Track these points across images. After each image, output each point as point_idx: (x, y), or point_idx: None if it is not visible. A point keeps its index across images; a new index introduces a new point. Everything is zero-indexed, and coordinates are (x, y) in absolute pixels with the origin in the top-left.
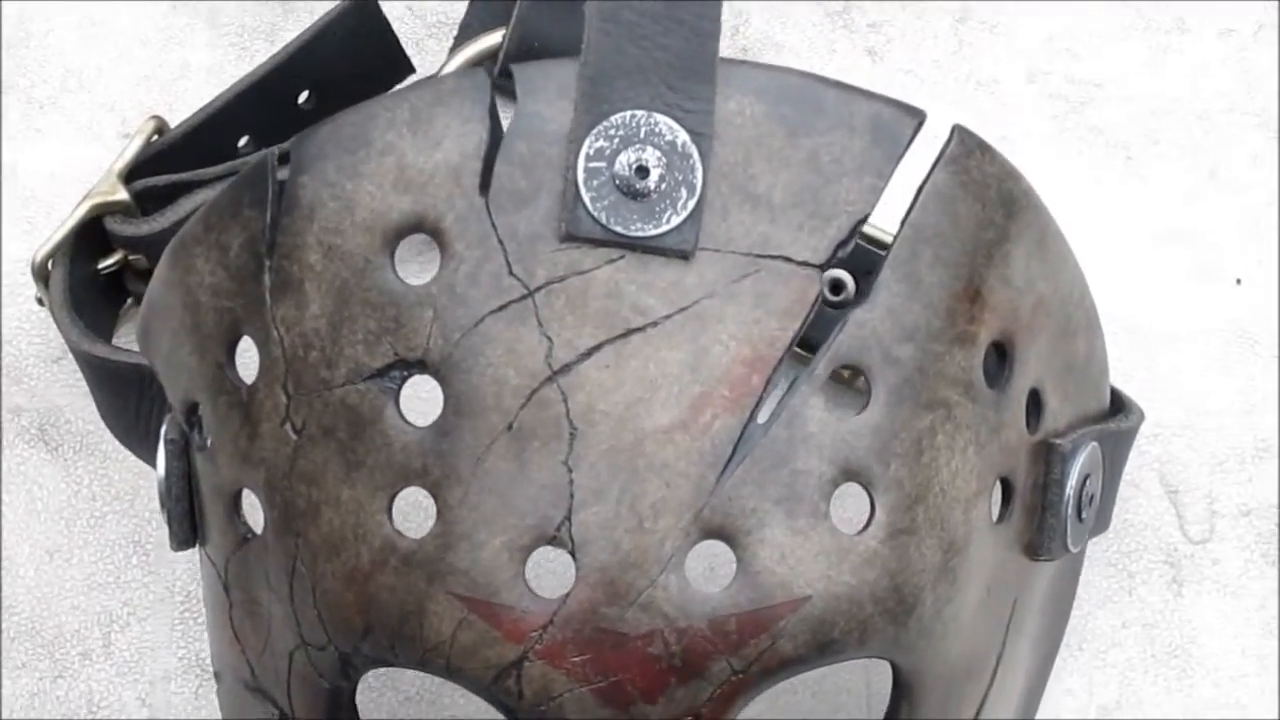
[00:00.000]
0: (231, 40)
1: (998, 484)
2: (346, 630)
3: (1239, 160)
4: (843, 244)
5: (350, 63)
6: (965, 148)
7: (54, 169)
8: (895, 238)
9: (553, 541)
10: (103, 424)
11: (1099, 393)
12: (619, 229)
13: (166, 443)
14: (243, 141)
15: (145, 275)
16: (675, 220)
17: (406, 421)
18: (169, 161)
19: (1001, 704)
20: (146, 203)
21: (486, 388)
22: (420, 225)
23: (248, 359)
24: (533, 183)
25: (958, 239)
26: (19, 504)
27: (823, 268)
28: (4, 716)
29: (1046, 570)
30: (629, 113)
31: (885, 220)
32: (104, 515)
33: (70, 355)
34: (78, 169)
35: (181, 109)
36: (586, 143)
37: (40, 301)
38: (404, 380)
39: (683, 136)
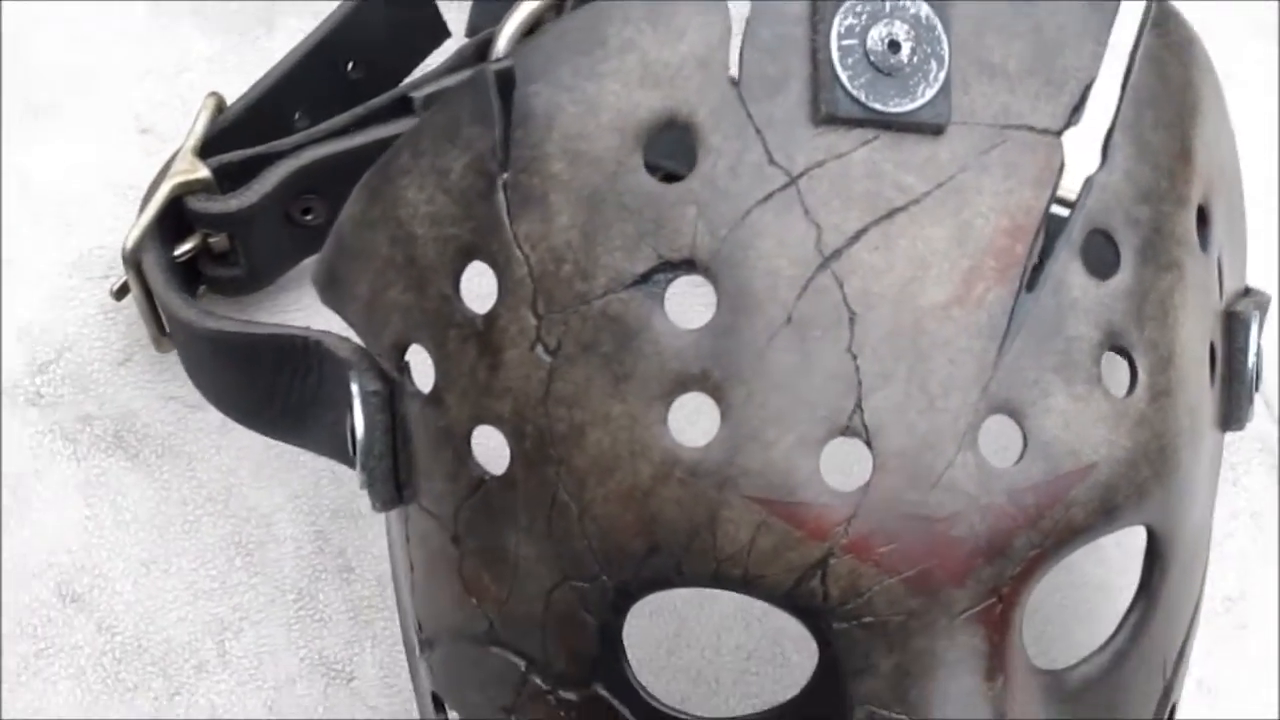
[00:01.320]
0: (225, 29)
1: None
2: (623, 556)
3: None
4: (1076, 109)
5: (391, 29)
6: (1163, 11)
7: (72, 169)
8: (1120, 101)
9: (845, 432)
10: (181, 425)
11: (1245, 264)
12: (878, 105)
13: (364, 396)
14: (297, 115)
15: (223, 258)
16: (929, 93)
17: (676, 326)
18: (232, 138)
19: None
20: (221, 180)
21: (761, 280)
22: (673, 120)
23: (469, 289)
24: (781, 68)
25: (1170, 100)
26: (105, 517)
27: (1060, 133)
28: None
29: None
30: None
31: (1105, 84)
32: (198, 519)
33: (136, 357)
34: (99, 167)
35: (193, 98)
36: (836, 21)
37: (119, 294)
38: (669, 283)
39: (925, 9)
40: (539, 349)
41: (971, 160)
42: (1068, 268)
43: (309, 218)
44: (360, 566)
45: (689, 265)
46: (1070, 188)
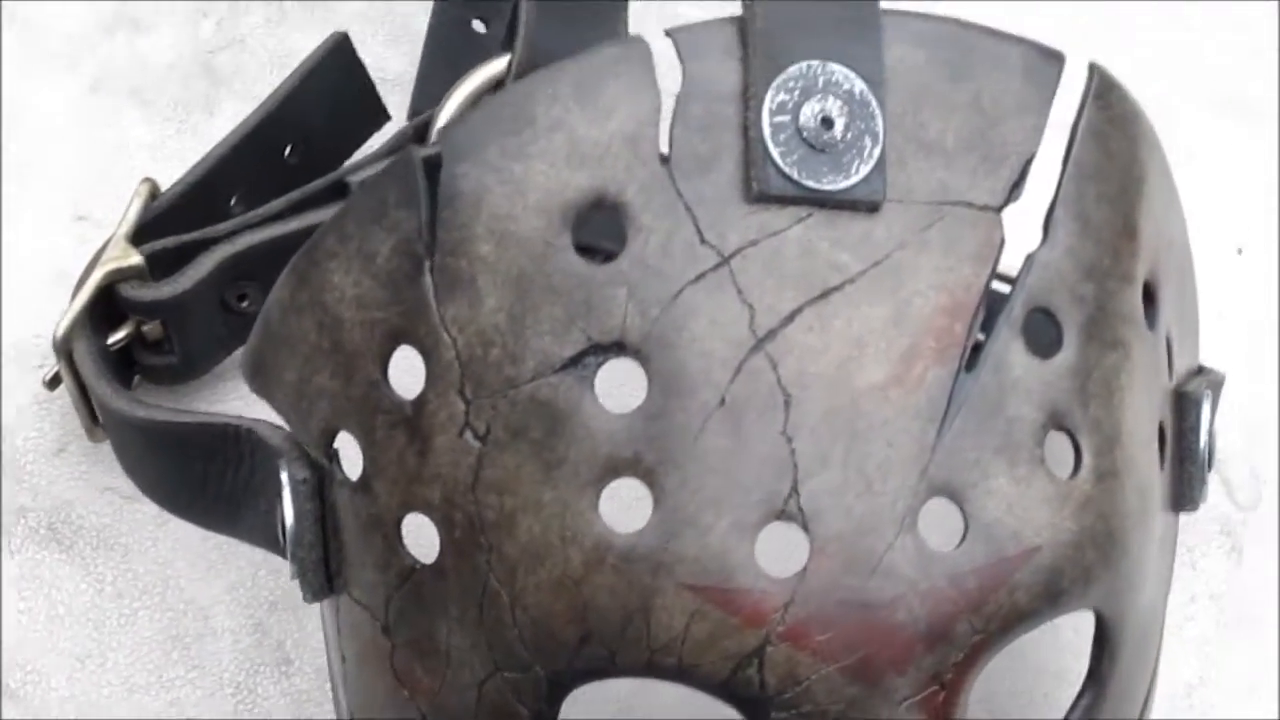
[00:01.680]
0: (165, 115)
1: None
2: (556, 645)
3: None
4: (1015, 185)
5: (330, 112)
6: (1105, 84)
7: (7, 256)
8: (1061, 177)
9: (781, 516)
10: (117, 516)
11: (1197, 343)
12: (811, 183)
13: (294, 485)
14: (233, 200)
15: (157, 346)
16: (864, 170)
17: (606, 409)
18: (165, 224)
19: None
20: (154, 267)
21: (694, 362)
22: (602, 200)
23: (397, 374)
24: (713, 145)
25: (1114, 175)
26: (39, 610)
27: (1000, 209)
28: None
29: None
30: (805, 64)
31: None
32: (135, 612)
33: (70, 447)
34: (34, 254)
35: (130, 184)
36: (768, 97)
37: (51, 384)
38: (599, 366)
39: (860, 85)
40: (468, 434)
41: (909, 237)
42: (1009, 346)
43: (245, 304)
44: (299, 659)
45: (619, 348)
46: (1011, 265)
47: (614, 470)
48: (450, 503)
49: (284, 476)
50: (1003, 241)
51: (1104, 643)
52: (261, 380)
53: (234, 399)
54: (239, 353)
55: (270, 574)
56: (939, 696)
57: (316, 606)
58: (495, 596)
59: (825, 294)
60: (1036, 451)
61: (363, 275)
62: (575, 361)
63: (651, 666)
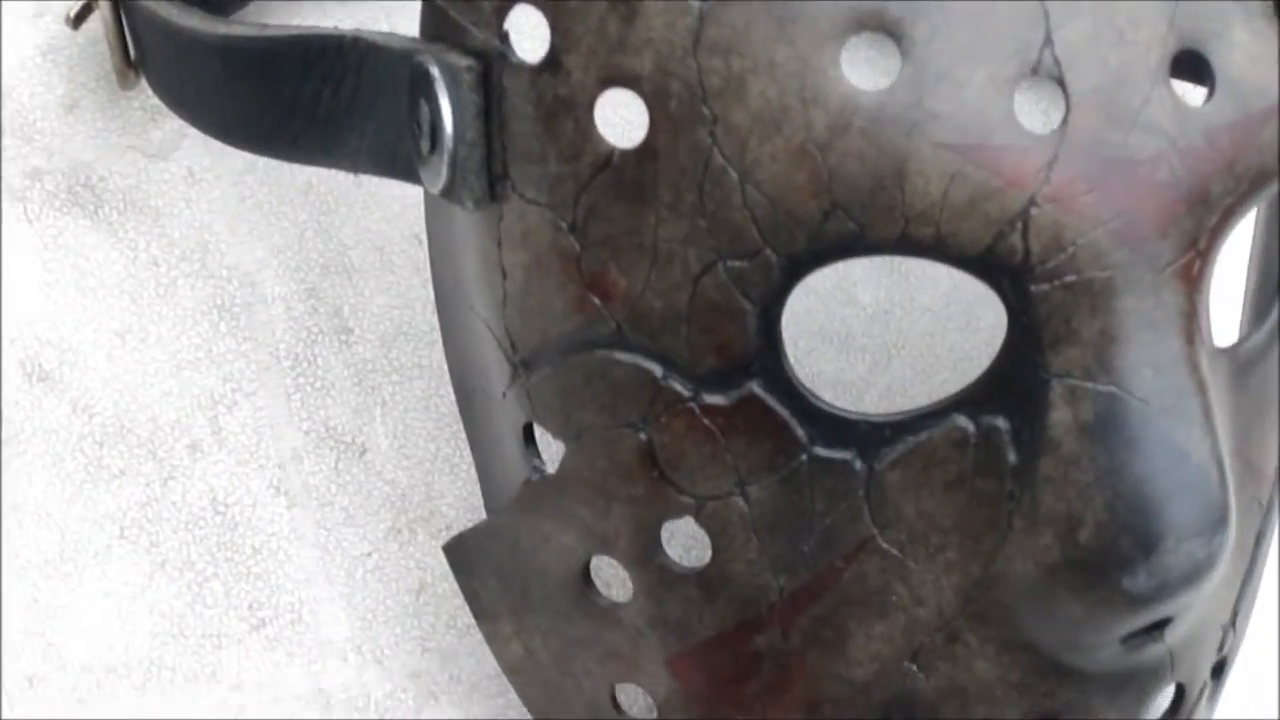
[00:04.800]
0: None
1: None
2: (794, 222)
3: None
4: None
5: None
6: None
7: None
8: None
9: (1037, 69)
10: (143, 177)
11: None
12: None
13: (452, 76)
14: None
15: None
16: None
17: None
18: None
19: None
20: None
21: None
22: None
23: None
24: None
25: None
26: (67, 283)
27: None
28: (115, 529)
29: None
30: None
31: None
32: (173, 281)
33: (83, 103)
34: None
35: None
36: None
37: (77, 20)
38: None
39: None
40: None
41: None
42: None
43: None
44: (359, 327)
45: None
46: None
47: (857, 23)
48: (664, 71)
49: (434, 70)
50: None
51: None
52: None
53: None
54: None
55: (318, 235)
56: (1195, 265)
57: (375, 271)
58: (720, 174)
59: None
60: (1268, 5)
61: None
62: None
63: (905, 240)
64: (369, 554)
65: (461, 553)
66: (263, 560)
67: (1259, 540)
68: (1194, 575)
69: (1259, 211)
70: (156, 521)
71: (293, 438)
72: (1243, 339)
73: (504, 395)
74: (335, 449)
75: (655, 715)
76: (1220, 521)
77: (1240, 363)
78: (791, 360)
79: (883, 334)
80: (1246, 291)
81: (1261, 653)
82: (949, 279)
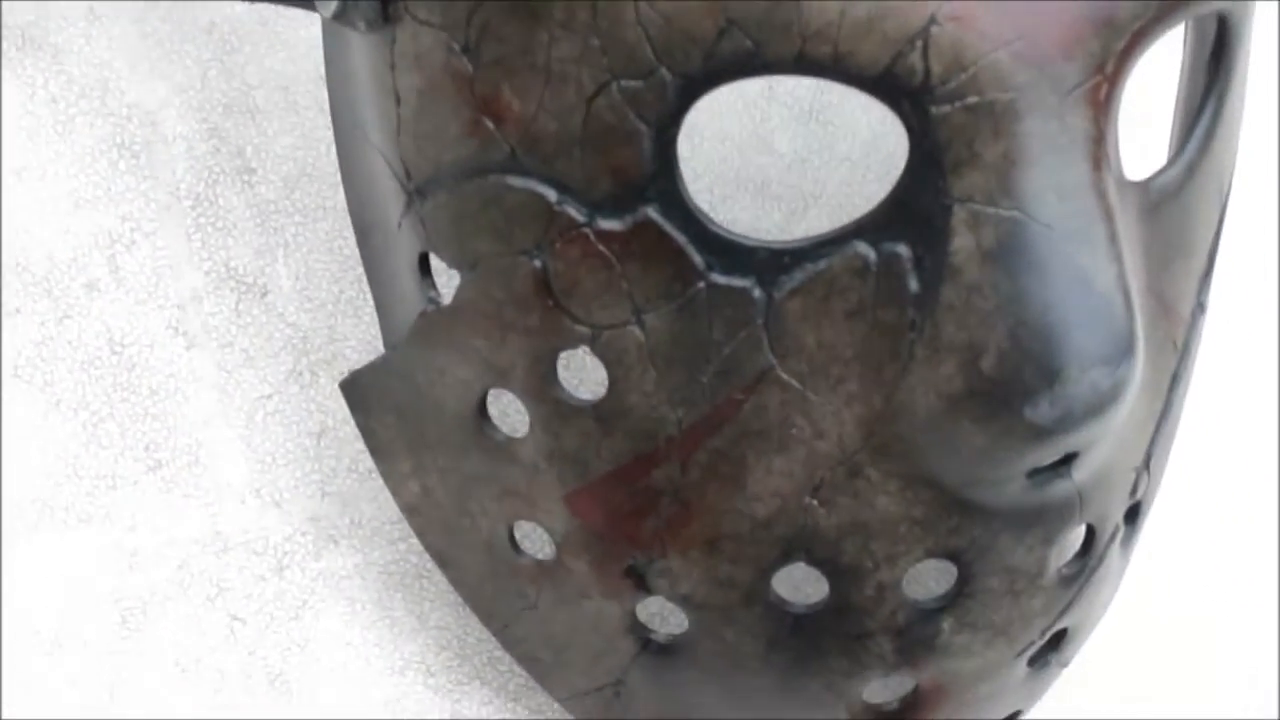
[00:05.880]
0: None
1: None
2: (689, 41)
3: None
4: None
5: None
6: None
7: None
8: None
9: None
10: (42, 13)
11: None
12: None
13: None
14: None
15: None
16: None
17: None
18: None
19: None
20: None
21: None
22: None
23: None
24: None
25: None
26: None
27: None
28: (9, 367)
29: None
30: None
31: None
32: (72, 119)
33: None
34: None
35: None
36: None
37: None
38: None
39: None
40: None
41: None
42: None
43: None
44: (262, 167)
45: None
46: None
47: None
48: None
49: None
50: None
51: (1223, 49)
52: None
53: None
54: None
55: (221, 74)
56: (1102, 89)
57: (278, 110)
58: None
59: None
60: None
61: None
62: None
63: (802, 59)
64: (269, 396)
65: (358, 390)
66: (160, 401)
67: (1174, 383)
68: (1098, 406)
69: (1187, 44)
70: (51, 360)
71: (192, 278)
72: (1157, 173)
73: (399, 225)
74: (236, 290)
75: (553, 553)
76: (1126, 351)
77: (1154, 198)
78: (706, 208)
79: (799, 182)
80: (1172, 126)
81: (1261, 653)
82: (868, 129)
